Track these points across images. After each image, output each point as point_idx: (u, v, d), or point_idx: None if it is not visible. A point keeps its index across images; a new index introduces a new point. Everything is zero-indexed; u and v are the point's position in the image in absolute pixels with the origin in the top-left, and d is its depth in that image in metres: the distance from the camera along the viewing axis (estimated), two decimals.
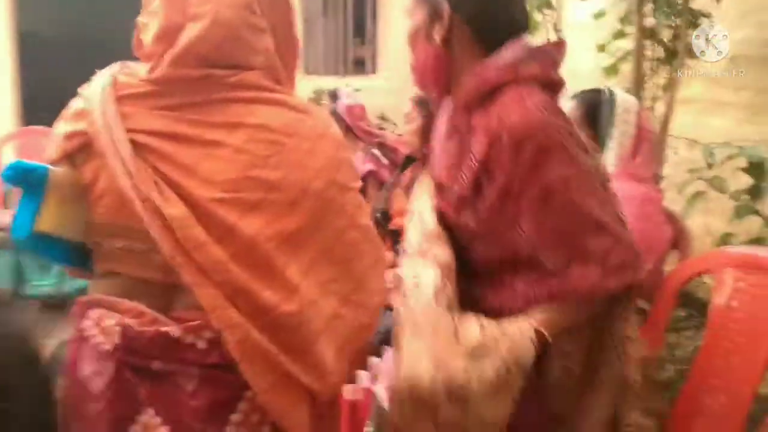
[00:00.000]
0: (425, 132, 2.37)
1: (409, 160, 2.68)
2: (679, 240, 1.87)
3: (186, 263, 0.87)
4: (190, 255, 0.87)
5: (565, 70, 1.19)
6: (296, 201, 0.92)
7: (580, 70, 2.97)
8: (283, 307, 0.90)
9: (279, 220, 0.90)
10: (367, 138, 3.21)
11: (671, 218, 1.88)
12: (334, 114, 3.32)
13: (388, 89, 4.88)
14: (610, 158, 1.77)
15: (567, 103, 1.78)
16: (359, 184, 1.03)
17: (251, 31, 0.95)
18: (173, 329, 0.90)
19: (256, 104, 0.93)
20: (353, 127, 3.21)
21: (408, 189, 2.40)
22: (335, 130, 1.01)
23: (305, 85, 4.99)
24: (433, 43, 1.16)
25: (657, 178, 2.16)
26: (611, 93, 1.82)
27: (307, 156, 0.93)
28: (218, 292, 0.88)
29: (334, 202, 0.96)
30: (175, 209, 0.87)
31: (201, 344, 0.91)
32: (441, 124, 1.29)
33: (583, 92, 1.87)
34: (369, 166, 3.05)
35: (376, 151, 3.15)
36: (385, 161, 3.13)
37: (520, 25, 1.18)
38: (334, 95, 3.59)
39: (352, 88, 4.27)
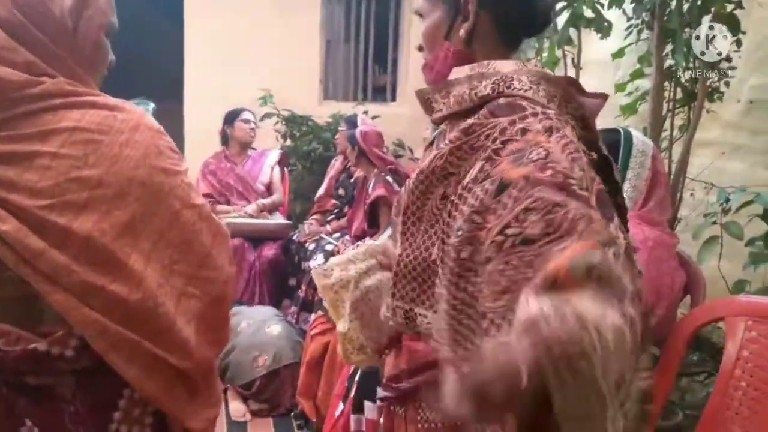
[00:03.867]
0: None
1: None
2: (692, 285, 1.83)
3: (31, 273, 0.90)
4: (32, 264, 0.89)
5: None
6: (123, 192, 0.94)
7: None
8: (133, 297, 0.93)
9: (110, 213, 0.93)
10: (381, 164, 3.23)
11: (685, 263, 1.85)
12: (351, 139, 3.36)
13: (407, 117, 4.91)
14: None
15: None
16: (186, 166, 1.07)
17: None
18: (40, 344, 0.92)
19: (65, 109, 0.95)
20: (367, 152, 3.24)
21: None
22: (149, 120, 1.03)
23: (323, 109, 5.04)
24: (456, 41, 1.07)
25: (671, 222, 2.13)
26: (628, 134, 1.80)
27: (123, 148, 0.96)
28: (68, 295, 0.91)
29: (162, 186, 0.99)
30: (6, 225, 0.89)
31: (69, 353, 0.94)
32: None
33: (600, 131, 1.85)
34: (380, 191, 3.07)
35: (389, 178, 3.17)
36: (397, 188, 3.15)
37: (544, 21, 1.10)
38: (351, 121, 3.63)
39: (370, 115, 4.31)
